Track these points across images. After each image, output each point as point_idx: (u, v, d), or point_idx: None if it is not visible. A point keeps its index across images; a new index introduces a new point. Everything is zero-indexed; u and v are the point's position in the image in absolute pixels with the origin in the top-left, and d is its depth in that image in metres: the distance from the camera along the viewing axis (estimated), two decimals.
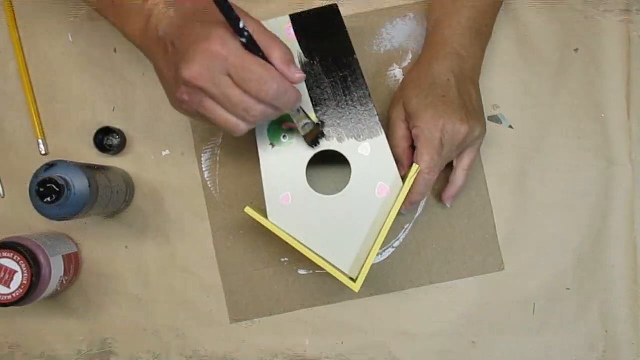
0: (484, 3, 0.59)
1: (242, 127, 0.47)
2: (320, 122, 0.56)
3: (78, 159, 0.63)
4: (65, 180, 0.52)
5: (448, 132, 0.54)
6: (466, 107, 0.56)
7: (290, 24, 0.57)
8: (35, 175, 0.53)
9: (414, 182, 0.55)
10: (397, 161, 0.57)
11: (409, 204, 0.58)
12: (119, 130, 0.64)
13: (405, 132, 0.58)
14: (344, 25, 0.57)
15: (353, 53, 0.57)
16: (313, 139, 0.55)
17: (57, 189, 0.51)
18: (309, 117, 0.53)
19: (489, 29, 0.61)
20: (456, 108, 0.55)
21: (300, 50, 0.57)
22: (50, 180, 0.51)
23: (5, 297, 0.54)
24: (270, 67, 0.44)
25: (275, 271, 0.64)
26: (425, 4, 0.65)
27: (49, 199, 0.51)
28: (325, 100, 0.56)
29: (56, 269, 0.57)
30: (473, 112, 0.56)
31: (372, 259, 0.54)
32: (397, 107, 0.58)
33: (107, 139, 0.65)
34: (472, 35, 0.58)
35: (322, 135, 0.55)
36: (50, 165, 0.53)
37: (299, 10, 0.57)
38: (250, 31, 0.44)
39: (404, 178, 0.56)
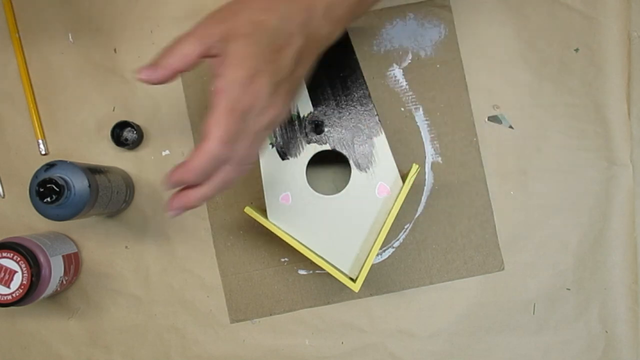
0: None
1: None
2: (320, 122, 0.56)
3: (78, 158, 0.63)
4: (65, 180, 0.52)
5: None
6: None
7: None
8: (35, 175, 0.53)
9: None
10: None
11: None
12: (136, 124, 0.64)
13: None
14: None
15: (353, 53, 0.57)
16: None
17: (57, 189, 0.51)
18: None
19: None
20: None
21: None
22: (50, 181, 0.51)
23: (5, 297, 0.54)
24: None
25: (275, 271, 0.64)
26: (425, 4, 0.65)
27: (49, 199, 0.51)
28: (325, 100, 0.56)
29: (56, 269, 0.57)
30: None
31: (372, 259, 0.54)
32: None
33: (124, 133, 0.64)
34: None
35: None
36: (50, 165, 0.53)
37: None
38: None
39: (404, 178, 0.56)
